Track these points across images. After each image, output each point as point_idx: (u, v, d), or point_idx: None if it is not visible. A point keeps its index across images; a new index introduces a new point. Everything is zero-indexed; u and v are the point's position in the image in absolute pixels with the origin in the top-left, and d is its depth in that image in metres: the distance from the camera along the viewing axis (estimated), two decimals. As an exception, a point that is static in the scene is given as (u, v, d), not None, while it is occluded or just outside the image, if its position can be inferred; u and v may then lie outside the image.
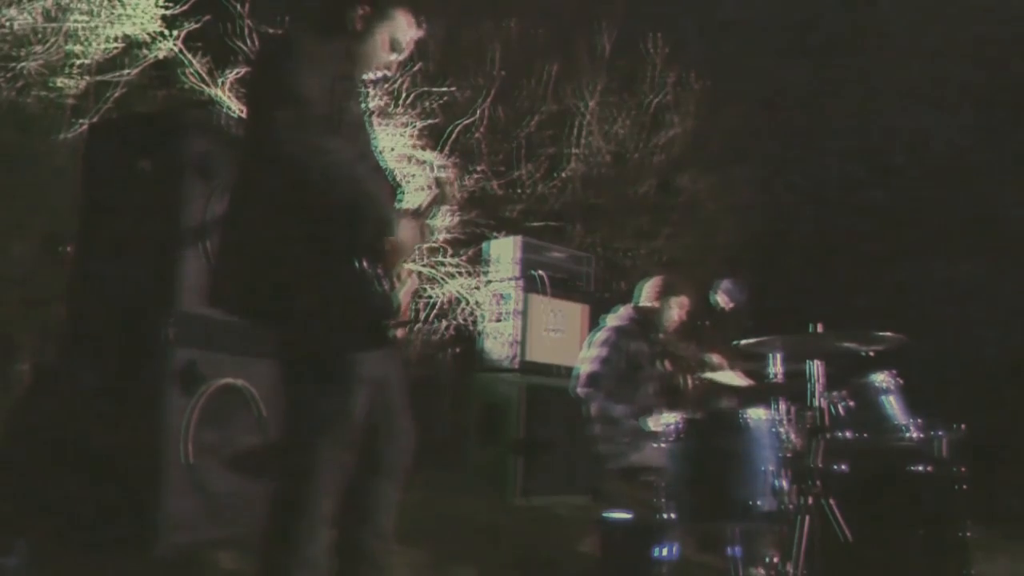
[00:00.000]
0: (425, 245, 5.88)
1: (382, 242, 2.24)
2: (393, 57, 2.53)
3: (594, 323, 4.47)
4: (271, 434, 3.55)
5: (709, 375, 4.25)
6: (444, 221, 6.26)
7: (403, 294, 2.31)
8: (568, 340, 6.30)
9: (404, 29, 2.52)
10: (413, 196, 2.63)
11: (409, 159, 6.22)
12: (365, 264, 2.19)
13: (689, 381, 4.26)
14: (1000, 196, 11.10)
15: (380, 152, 2.57)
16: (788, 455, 2.97)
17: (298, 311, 2.24)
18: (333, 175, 2.19)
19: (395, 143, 6.20)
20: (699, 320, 4.53)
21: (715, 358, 4.29)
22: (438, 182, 2.60)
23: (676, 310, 4.31)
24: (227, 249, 2.38)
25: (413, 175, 6.01)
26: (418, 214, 2.48)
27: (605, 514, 3.61)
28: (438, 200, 2.58)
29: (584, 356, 4.24)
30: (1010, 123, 10.94)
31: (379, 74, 2.55)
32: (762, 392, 3.60)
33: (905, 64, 11.65)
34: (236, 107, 5.54)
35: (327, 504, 2.28)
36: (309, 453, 2.25)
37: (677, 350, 4.34)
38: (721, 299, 4.64)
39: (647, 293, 4.35)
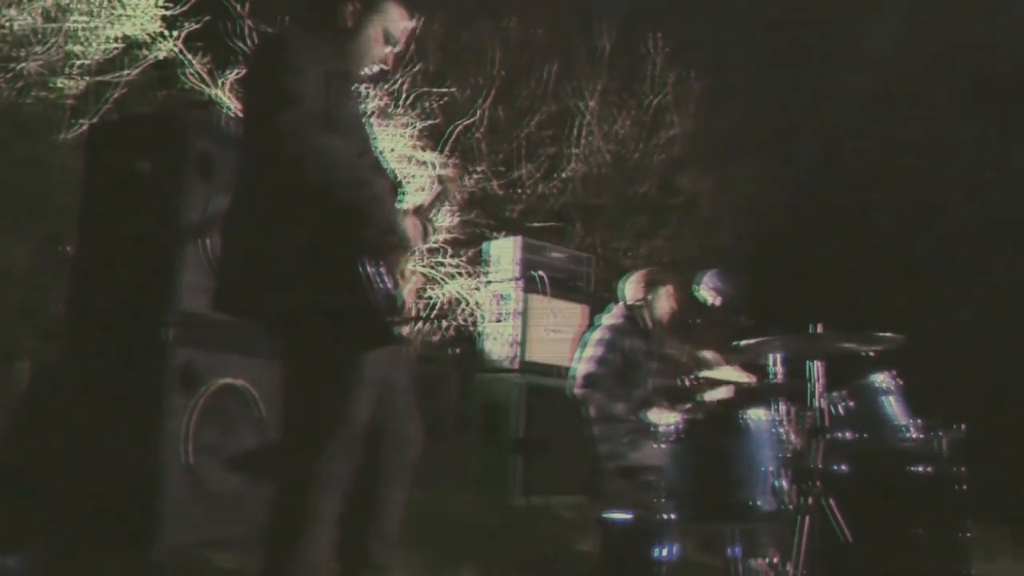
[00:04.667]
0: (427, 244, 5.87)
1: (385, 240, 2.24)
2: (388, 50, 2.52)
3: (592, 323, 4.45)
4: (271, 434, 3.54)
5: (707, 373, 4.23)
6: (444, 221, 6.26)
7: (407, 292, 2.30)
8: (568, 340, 6.29)
9: (396, 20, 2.50)
10: (414, 196, 2.63)
11: (409, 160, 6.22)
12: (368, 263, 2.19)
13: (686, 382, 4.24)
14: (1002, 194, 11.10)
15: (380, 149, 2.57)
16: (788, 455, 2.97)
17: (302, 313, 2.23)
18: (335, 174, 2.18)
19: (395, 144, 6.19)
20: (689, 319, 4.51)
21: (710, 355, 4.27)
22: (440, 180, 2.60)
23: (665, 299, 4.29)
24: (229, 252, 2.37)
25: (413, 176, 6.01)
26: (420, 211, 2.48)
27: (605, 514, 3.60)
28: (441, 197, 2.58)
29: (580, 356, 4.22)
30: (1010, 123, 10.93)
31: (376, 68, 2.54)
32: (762, 392, 3.60)
33: (908, 63, 11.65)
34: (236, 107, 5.54)
35: (330, 506, 2.27)
36: (311, 456, 2.24)
37: (670, 353, 4.33)
38: (707, 294, 4.62)
39: (632, 290, 4.33)
